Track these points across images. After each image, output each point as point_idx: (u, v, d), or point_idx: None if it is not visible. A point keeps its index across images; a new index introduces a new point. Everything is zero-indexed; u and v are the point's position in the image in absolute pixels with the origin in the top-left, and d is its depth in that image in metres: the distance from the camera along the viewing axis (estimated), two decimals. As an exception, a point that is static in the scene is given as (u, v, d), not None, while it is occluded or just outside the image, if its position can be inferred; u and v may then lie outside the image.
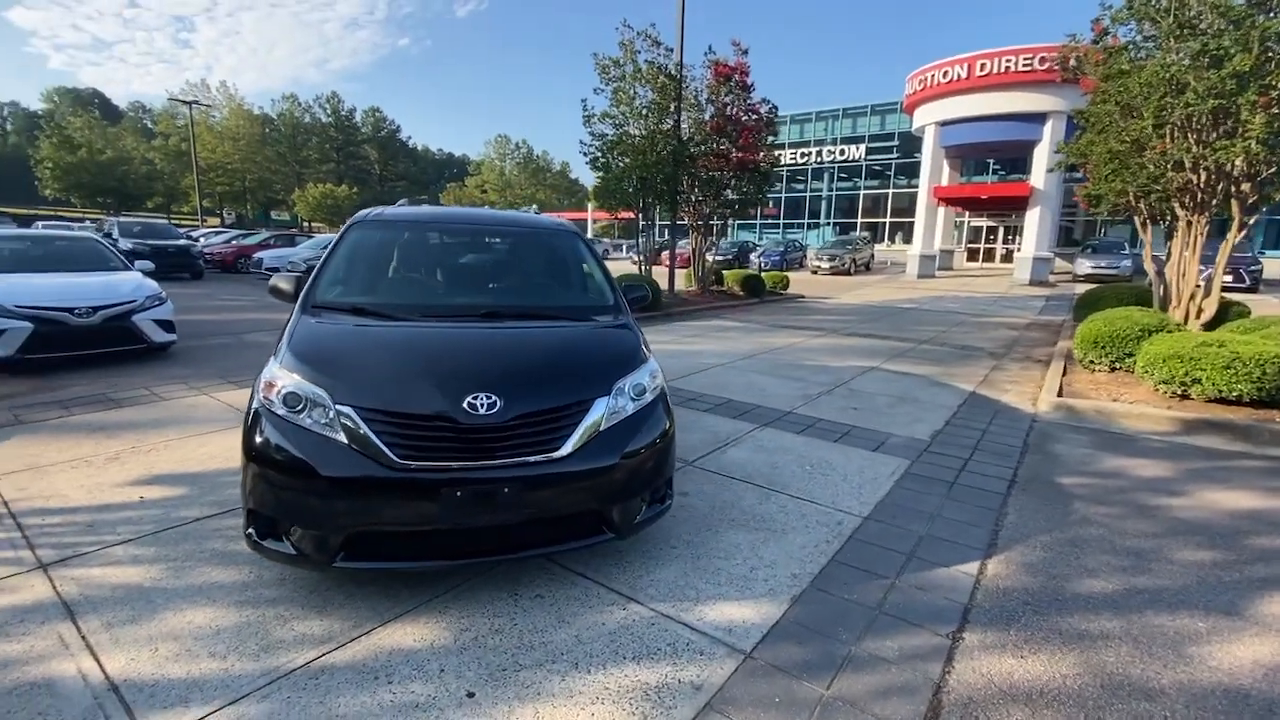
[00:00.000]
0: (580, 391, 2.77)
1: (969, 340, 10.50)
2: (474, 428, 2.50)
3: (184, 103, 40.12)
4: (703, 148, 14.56)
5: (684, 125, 14.32)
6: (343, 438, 2.43)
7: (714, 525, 3.45)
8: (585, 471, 2.64)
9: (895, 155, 39.03)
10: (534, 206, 56.19)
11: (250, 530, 2.52)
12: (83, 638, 2.35)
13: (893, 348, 9.55)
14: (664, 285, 14.10)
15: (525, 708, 2.09)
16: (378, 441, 2.42)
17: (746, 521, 3.51)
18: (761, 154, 15.33)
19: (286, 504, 2.44)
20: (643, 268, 14.59)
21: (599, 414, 2.74)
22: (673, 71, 13.39)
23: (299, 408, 2.51)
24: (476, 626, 2.50)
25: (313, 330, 2.98)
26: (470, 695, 2.14)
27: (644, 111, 13.41)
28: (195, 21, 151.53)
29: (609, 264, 19.16)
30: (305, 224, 53.93)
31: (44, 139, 44.61)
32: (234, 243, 21.54)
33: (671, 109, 13.59)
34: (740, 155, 14.64)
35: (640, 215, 14.39)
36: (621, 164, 13.23)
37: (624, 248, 37.61)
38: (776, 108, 15.40)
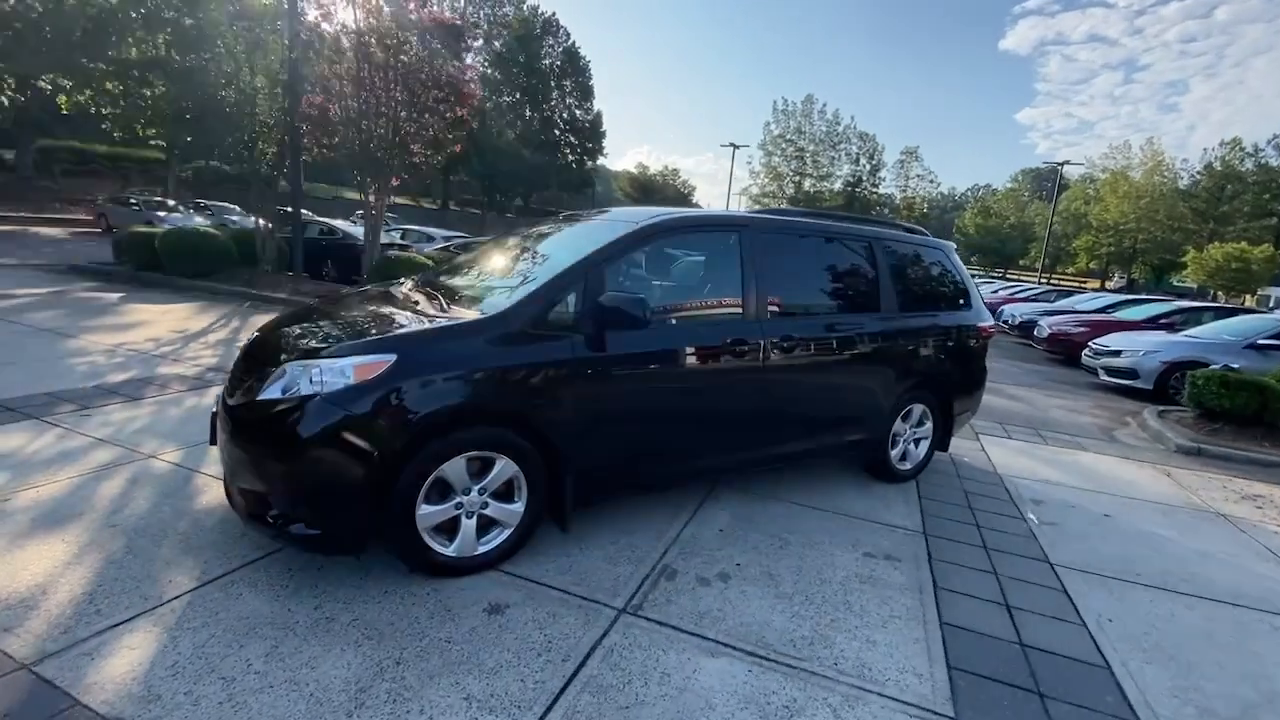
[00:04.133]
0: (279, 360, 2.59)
1: None
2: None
3: (1058, 164, 40.70)
4: None
5: None
6: None
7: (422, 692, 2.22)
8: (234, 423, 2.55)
9: None
10: None
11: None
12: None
13: None
14: None
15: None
16: None
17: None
18: None
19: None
20: None
21: (270, 384, 2.50)
22: None
23: None
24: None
25: None
26: (112, 526, 2.84)
27: None
28: (1189, 83, 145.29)
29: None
30: (1211, 293, 44.46)
31: (968, 211, 55.32)
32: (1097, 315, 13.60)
33: None
34: None
35: None
36: None
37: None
38: None
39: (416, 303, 3.13)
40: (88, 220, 20.93)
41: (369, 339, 2.52)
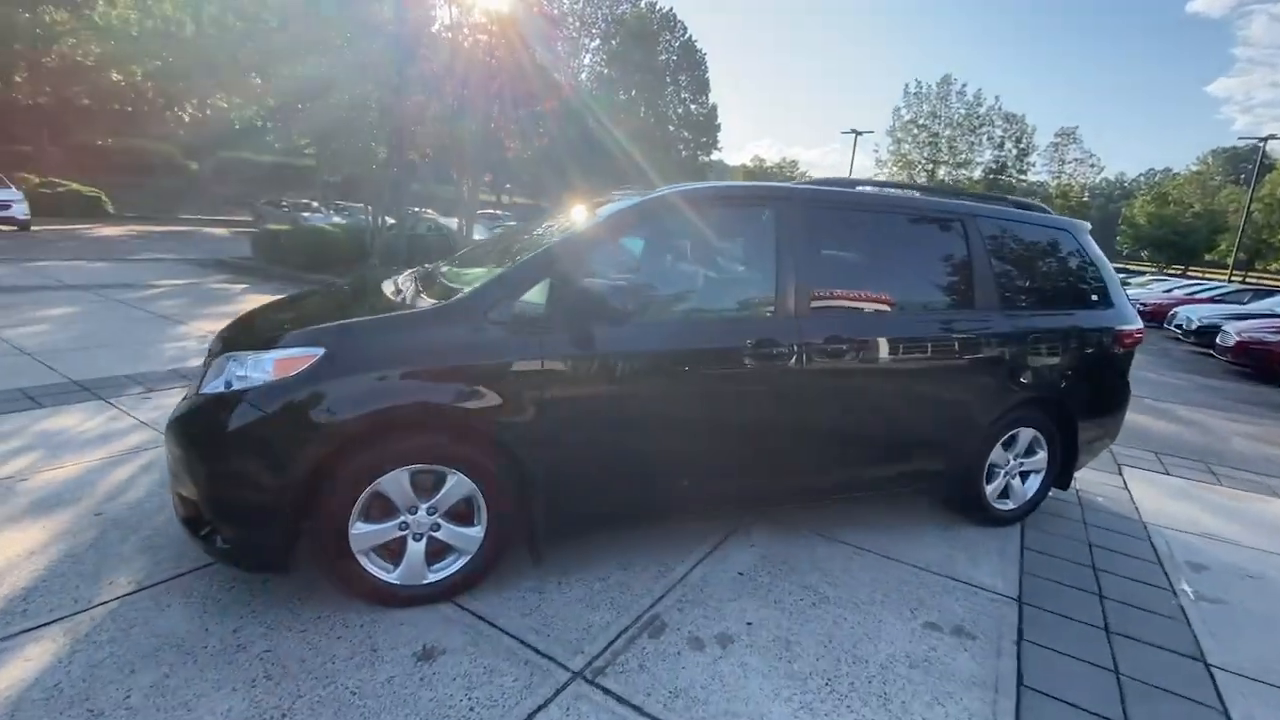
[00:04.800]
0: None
1: None
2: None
3: (1260, 140, 33.66)
4: None
5: None
6: None
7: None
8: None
9: None
10: None
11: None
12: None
13: None
14: None
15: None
16: None
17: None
18: None
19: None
20: None
21: (209, 379, 2.28)
22: None
23: None
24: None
25: None
26: (98, 514, 2.79)
27: None
28: None
29: None
30: None
31: (1138, 199, 48.01)
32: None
33: None
34: None
35: None
36: None
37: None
38: None
39: (399, 291, 2.83)
40: (249, 221, 23.67)
41: (299, 330, 2.22)
